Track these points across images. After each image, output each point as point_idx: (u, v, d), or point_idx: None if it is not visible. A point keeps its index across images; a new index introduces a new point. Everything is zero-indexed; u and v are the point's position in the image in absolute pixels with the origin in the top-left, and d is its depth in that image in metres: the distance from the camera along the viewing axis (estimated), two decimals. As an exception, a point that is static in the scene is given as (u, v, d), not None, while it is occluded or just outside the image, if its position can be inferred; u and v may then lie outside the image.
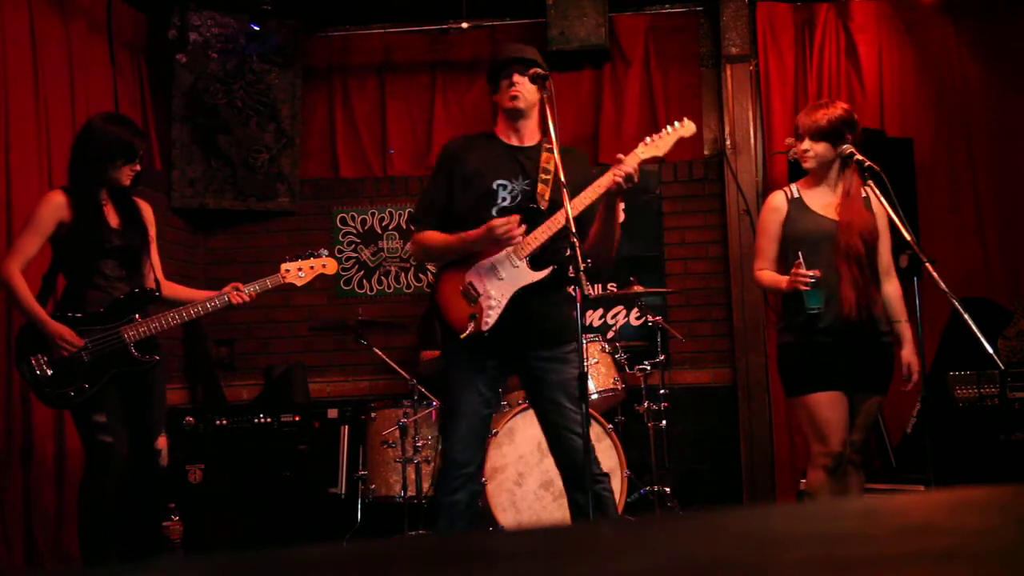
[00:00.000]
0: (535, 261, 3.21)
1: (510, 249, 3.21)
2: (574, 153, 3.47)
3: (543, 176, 3.26)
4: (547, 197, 3.23)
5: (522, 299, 3.20)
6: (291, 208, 6.07)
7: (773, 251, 3.67)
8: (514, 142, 3.37)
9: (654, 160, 3.32)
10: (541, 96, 3.24)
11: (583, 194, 3.18)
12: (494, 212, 3.26)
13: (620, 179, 3.11)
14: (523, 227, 3.16)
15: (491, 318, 3.19)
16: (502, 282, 3.21)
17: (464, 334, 3.17)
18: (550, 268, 3.20)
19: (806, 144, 3.56)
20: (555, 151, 3.11)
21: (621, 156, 3.18)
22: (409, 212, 6.14)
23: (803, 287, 3.42)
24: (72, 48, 4.90)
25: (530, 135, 3.37)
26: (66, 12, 4.89)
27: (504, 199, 3.28)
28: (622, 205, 3.27)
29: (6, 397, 4.35)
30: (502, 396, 4.56)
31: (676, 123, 3.33)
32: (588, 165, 3.48)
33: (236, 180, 5.87)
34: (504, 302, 3.19)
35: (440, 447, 3.39)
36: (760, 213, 3.81)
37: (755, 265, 3.73)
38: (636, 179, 3.13)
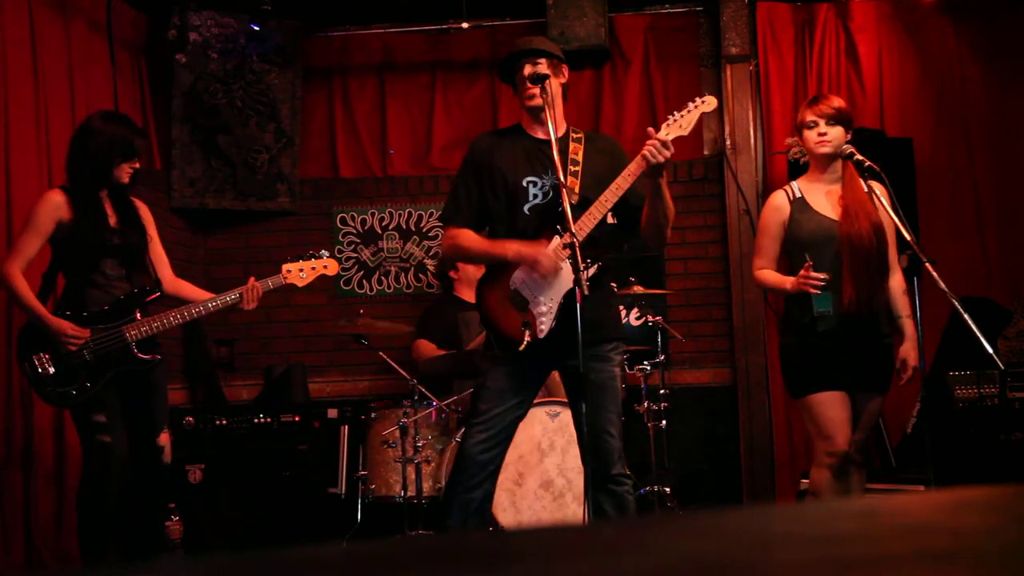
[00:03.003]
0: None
1: (550, 250, 3.16)
2: (600, 140, 3.42)
3: (572, 168, 3.22)
4: (577, 191, 3.19)
5: (570, 300, 3.15)
6: (291, 208, 6.07)
7: (774, 250, 3.68)
8: (540, 135, 3.32)
9: (679, 139, 3.19)
10: (554, 87, 3.21)
11: (614, 184, 3.12)
12: (526, 210, 3.24)
13: (649, 157, 3.04)
14: (560, 265, 3.13)
15: (545, 325, 3.15)
16: (549, 286, 3.17)
17: (523, 346, 3.13)
18: (596, 266, 3.15)
19: (823, 128, 3.56)
20: (554, 149, 3.09)
21: (651, 130, 3.11)
22: (409, 211, 6.15)
23: (813, 290, 3.41)
24: (72, 48, 4.90)
25: (557, 126, 3.29)
26: (66, 12, 4.89)
27: (536, 196, 3.25)
28: (666, 181, 3.18)
29: (6, 398, 4.35)
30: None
31: (697, 99, 3.24)
32: (617, 149, 3.40)
33: (236, 180, 5.87)
34: (555, 307, 3.16)
35: (461, 443, 3.35)
36: (761, 211, 3.81)
37: (755, 264, 3.72)
38: (670, 151, 3.05)
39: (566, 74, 3.40)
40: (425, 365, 5.12)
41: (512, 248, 3.20)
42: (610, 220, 3.27)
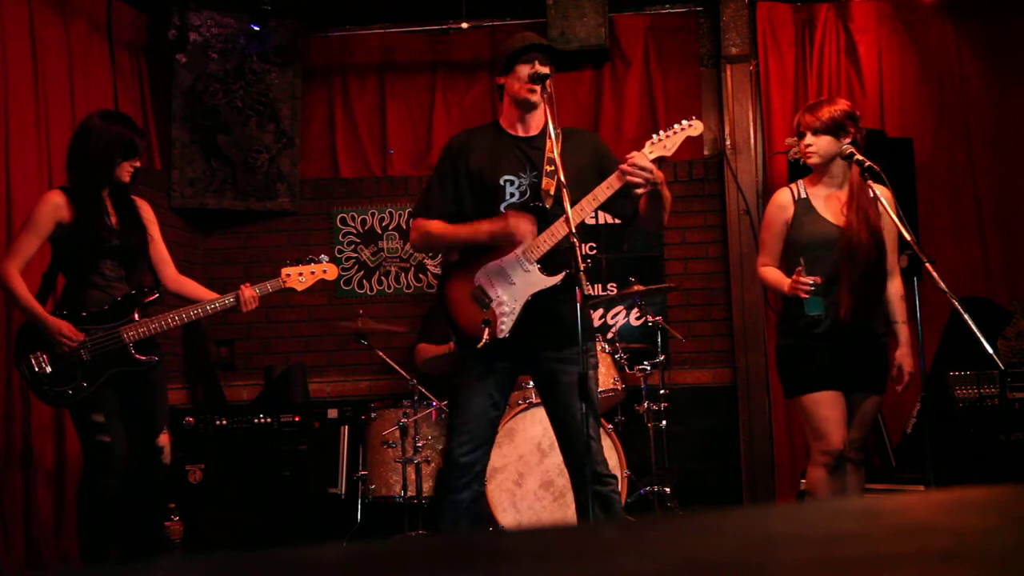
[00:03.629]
0: (546, 263, 3.16)
1: (519, 252, 3.15)
2: (578, 135, 3.39)
3: (548, 168, 3.19)
4: (552, 192, 3.18)
5: (535, 301, 3.15)
6: (291, 208, 6.07)
7: (777, 248, 3.68)
8: (520, 132, 3.30)
9: (661, 160, 3.16)
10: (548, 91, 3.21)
11: (591, 195, 3.11)
12: (502, 209, 3.21)
13: (636, 178, 3.05)
14: (534, 228, 3.12)
15: (506, 325, 3.14)
16: (514, 287, 3.16)
17: (480, 344, 3.12)
18: (564, 273, 3.12)
19: (808, 139, 3.56)
20: (556, 157, 3.08)
21: (633, 154, 3.10)
22: (409, 212, 6.14)
23: (803, 295, 3.43)
24: (72, 48, 4.90)
25: (537, 124, 3.28)
26: (66, 12, 4.89)
27: (512, 195, 3.23)
28: (663, 182, 3.16)
29: (6, 397, 4.35)
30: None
31: (684, 121, 3.21)
32: (596, 143, 3.39)
33: (236, 180, 5.87)
34: (518, 308, 3.15)
35: (445, 448, 3.37)
36: (766, 208, 3.82)
37: (758, 260, 3.75)
38: (648, 171, 3.04)
39: (550, 89, 3.36)
40: (424, 365, 5.12)
41: (485, 228, 3.17)
42: (588, 221, 3.26)
